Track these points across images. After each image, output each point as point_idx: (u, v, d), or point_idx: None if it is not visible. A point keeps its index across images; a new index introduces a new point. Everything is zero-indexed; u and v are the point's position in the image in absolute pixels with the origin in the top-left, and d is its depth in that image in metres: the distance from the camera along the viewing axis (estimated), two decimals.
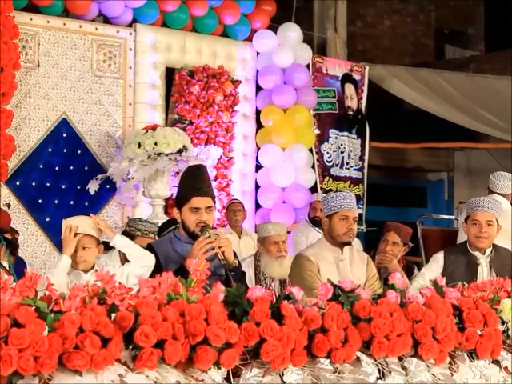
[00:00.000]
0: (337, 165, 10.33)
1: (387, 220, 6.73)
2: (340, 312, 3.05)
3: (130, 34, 8.85)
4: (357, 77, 10.64)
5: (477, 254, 5.39)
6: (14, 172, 8.13)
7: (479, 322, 3.34)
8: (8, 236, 6.39)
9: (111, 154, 8.65)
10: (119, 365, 2.66)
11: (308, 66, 10.08)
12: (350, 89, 10.55)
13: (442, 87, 11.33)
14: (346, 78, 10.52)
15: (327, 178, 10.18)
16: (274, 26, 9.93)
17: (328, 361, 3.01)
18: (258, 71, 9.85)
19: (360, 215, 9.91)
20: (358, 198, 9.87)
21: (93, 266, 4.56)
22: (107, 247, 5.12)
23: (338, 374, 3.01)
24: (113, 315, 2.70)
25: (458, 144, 12.00)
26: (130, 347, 2.69)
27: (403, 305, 3.22)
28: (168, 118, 9.10)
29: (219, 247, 3.99)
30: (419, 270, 6.71)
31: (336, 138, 10.35)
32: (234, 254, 4.14)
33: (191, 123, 9.08)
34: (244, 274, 4.40)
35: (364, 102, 10.70)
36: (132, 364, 2.69)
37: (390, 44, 13.64)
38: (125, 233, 6.15)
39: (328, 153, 10.25)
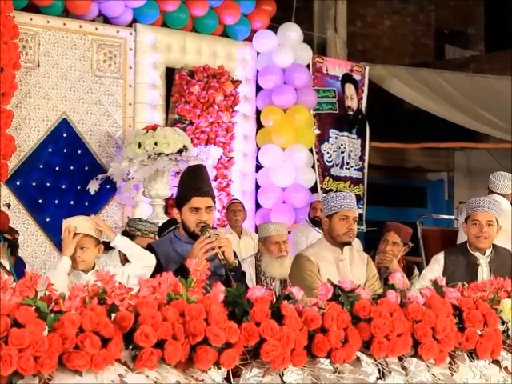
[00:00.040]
0: (337, 165, 10.33)
1: (387, 220, 6.73)
2: (340, 312, 3.05)
3: (130, 34, 8.85)
4: (357, 77, 10.64)
5: (477, 254, 5.39)
6: (14, 172, 8.13)
7: (479, 321, 3.34)
8: (8, 236, 6.39)
9: (111, 154, 8.65)
10: (119, 365, 2.66)
11: (308, 65, 10.08)
12: (350, 89, 10.55)
13: (441, 87, 11.33)
14: (346, 78, 10.52)
15: (327, 178, 10.18)
16: (274, 25, 9.93)
17: (328, 361, 3.01)
18: (258, 71, 9.85)
19: (360, 215, 9.91)
20: (358, 198, 9.87)
21: (93, 267, 4.56)
22: (107, 247, 5.12)
23: (338, 374, 3.01)
24: (113, 315, 2.70)
25: (458, 144, 12.00)
26: (130, 347, 2.69)
27: (403, 305, 3.23)
28: (168, 118, 9.10)
29: (219, 247, 3.99)
30: (419, 270, 6.72)
31: (336, 138, 10.35)
32: (234, 253, 4.14)
33: (191, 123, 9.08)
34: (244, 273, 4.40)
35: (364, 102, 10.70)
36: (132, 364, 2.69)
37: (390, 44, 13.64)
38: (125, 233, 6.15)
39: (328, 153, 10.25)
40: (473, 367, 3.34)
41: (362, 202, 10.38)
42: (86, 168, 8.53)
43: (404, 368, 3.16)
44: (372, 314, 3.10)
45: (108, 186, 8.57)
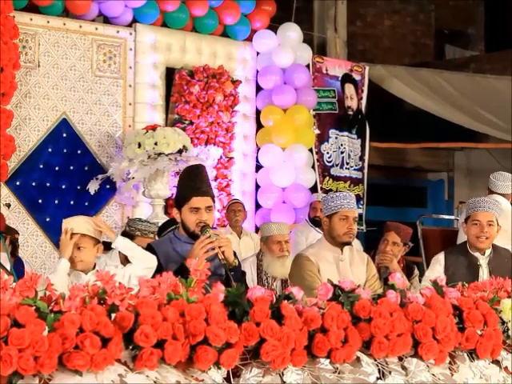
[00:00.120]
0: (337, 165, 10.33)
1: (387, 220, 6.73)
2: (340, 312, 3.05)
3: (130, 34, 8.85)
4: (357, 77, 10.64)
5: (477, 254, 5.39)
6: (14, 172, 8.13)
7: (479, 321, 3.34)
8: (6, 236, 6.38)
9: (111, 154, 8.65)
10: (119, 365, 2.66)
11: (308, 66, 10.08)
12: (350, 89, 10.55)
13: (441, 87, 11.34)
14: (346, 78, 10.53)
15: (327, 178, 10.18)
16: (274, 25, 9.93)
17: (328, 361, 3.01)
18: (257, 71, 9.86)
19: (360, 215, 9.91)
20: (358, 198, 9.87)
21: (94, 267, 4.55)
22: (108, 247, 5.12)
23: (338, 374, 3.01)
24: (113, 315, 2.70)
25: (458, 144, 12.00)
26: (130, 347, 2.69)
27: (403, 305, 3.22)
28: (168, 118, 9.10)
29: (219, 247, 3.99)
30: (419, 270, 6.72)
31: (336, 138, 10.35)
32: (234, 253, 4.14)
33: (191, 123, 9.08)
34: (244, 273, 4.40)
35: (364, 102, 10.70)
36: (132, 364, 2.69)
37: (390, 44, 13.64)
38: (124, 233, 6.15)
39: (328, 153, 10.25)
40: (473, 367, 3.34)
41: (361, 202, 10.38)
42: (86, 168, 8.53)
43: (404, 368, 3.16)
44: (372, 313, 3.10)
45: (108, 186, 8.57)
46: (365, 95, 10.70)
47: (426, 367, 3.20)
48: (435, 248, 6.26)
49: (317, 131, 10.15)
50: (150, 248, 4.29)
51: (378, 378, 3.09)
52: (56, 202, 8.35)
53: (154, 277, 2.96)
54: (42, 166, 8.31)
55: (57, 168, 8.38)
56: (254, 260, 6.60)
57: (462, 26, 14.52)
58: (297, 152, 9.76)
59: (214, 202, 4.20)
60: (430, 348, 3.18)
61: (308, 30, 10.67)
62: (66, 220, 4.55)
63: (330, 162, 10.25)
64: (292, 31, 9.94)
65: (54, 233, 8.00)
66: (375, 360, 3.10)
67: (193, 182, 4.15)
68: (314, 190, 9.81)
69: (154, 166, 8.10)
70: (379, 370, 3.09)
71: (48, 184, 8.34)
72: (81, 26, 8.56)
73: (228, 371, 2.84)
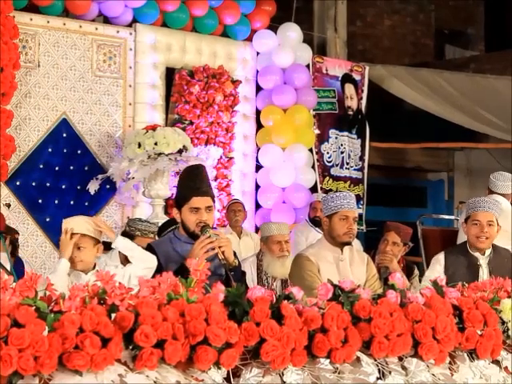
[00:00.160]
0: (337, 165, 10.33)
1: (387, 220, 6.73)
2: (340, 312, 3.05)
3: (130, 34, 8.85)
4: (357, 77, 10.64)
5: (477, 254, 5.39)
6: (14, 172, 8.13)
7: (479, 321, 3.34)
8: (6, 236, 6.38)
9: (111, 154, 8.65)
10: (119, 365, 2.66)
11: (308, 66, 10.08)
12: (349, 89, 10.55)
13: (441, 87, 11.34)
14: (346, 78, 10.53)
15: (327, 178, 10.18)
16: (274, 25, 9.93)
17: (328, 361, 3.01)
18: (257, 71, 9.86)
19: (360, 215, 9.91)
20: (358, 198, 9.87)
21: (94, 267, 4.55)
22: (108, 247, 5.11)
23: (338, 374, 3.01)
24: (113, 315, 2.70)
25: (458, 144, 12.00)
26: (130, 347, 2.69)
27: (403, 305, 3.22)
28: (168, 118, 9.10)
29: (219, 247, 3.99)
30: (419, 269, 6.72)
31: (336, 138, 10.35)
32: (234, 253, 4.14)
33: (191, 123, 9.08)
34: (244, 273, 4.40)
35: (364, 102, 10.70)
36: (132, 364, 2.69)
37: (390, 44, 13.64)
38: (124, 233, 6.15)
39: (328, 153, 10.25)
40: (473, 367, 3.34)
41: (361, 202, 10.38)
42: (86, 168, 8.53)
43: (404, 368, 3.16)
44: (372, 313, 3.10)
45: (108, 186, 8.57)
46: (365, 95, 10.70)
47: (426, 367, 3.20)
48: (435, 248, 6.26)
49: (317, 131, 10.15)
50: (149, 248, 4.29)
51: (377, 378, 3.09)
52: (56, 202, 8.35)
53: (153, 277, 2.96)
54: (41, 166, 8.31)
55: (57, 168, 8.38)
56: (254, 260, 6.60)
57: (461, 26, 14.52)
58: (297, 152, 9.76)
59: (213, 201, 4.20)
60: (430, 348, 3.18)
61: (308, 29, 10.67)
62: (65, 220, 4.55)
63: (330, 162, 10.25)
64: (292, 31, 9.94)
65: (54, 233, 8.00)
66: (375, 360, 3.10)
67: (193, 181, 4.15)
68: (314, 189, 9.81)
69: (154, 166, 8.10)
70: (379, 369, 3.09)
71: (48, 184, 8.34)
72: (81, 26, 8.56)
73: (228, 371, 2.84)
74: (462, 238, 6.04)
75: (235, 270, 4.03)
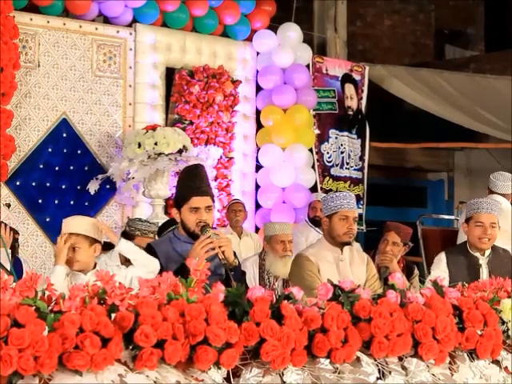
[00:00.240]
0: (337, 165, 10.33)
1: (387, 220, 6.72)
2: (340, 312, 3.05)
3: (130, 34, 8.85)
4: (357, 77, 10.64)
5: (477, 255, 5.39)
6: (14, 172, 8.13)
7: (479, 321, 3.34)
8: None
9: (111, 154, 8.65)
10: (119, 365, 2.66)
11: (308, 66, 10.08)
12: (349, 89, 10.55)
13: (441, 87, 11.33)
14: (346, 78, 10.52)
15: (327, 178, 10.18)
16: (274, 25, 9.93)
17: (328, 361, 3.01)
18: (257, 71, 9.85)
19: (360, 215, 9.91)
20: (358, 198, 9.87)
21: (94, 267, 4.53)
22: (108, 247, 5.11)
23: (338, 374, 3.01)
24: (113, 315, 2.70)
25: (458, 144, 12.00)
26: (130, 347, 2.69)
27: (403, 305, 3.22)
28: (168, 118, 9.10)
29: (219, 247, 3.99)
30: (419, 270, 6.71)
31: (336, 138, 10.35)
32: (234, 253, 4.14)
33: (191, 123, 9.08)
34: (244, 273, 4.40)
35: (364, 101, 10.70)
36: (132, 364, 2.69)
37: (390, 44, 13.64)
38: (124, 233, 6.15)
39: (328, 153, 10.25)
40: (473, 367, 3.34)
41: (361, 202, 10.38)
42: (86, 168, 8.53)
43: (404, 368, 3.16)
44: (372, 313, 3.10)
45: (108, 186, 8.57)
46: (365, 95, 10.70)
47: (426, 367, 3.21)
48: (435, 248, 6.27)
49: (317, 131, 10.15)
50: (149, 248, 4.28)
51: (377, 378, 3.09)
52: (56, 202, 8.35)
53: None
54: (42, 166, 8.31)
55: (57, 168, 8.38)
56: (256, 259, 6.61)
57: (461, 26, 14.52)
58: (297, 152, 9.76)
59: (213, 201, 4.20)
60: (430, 348, 3.18)
61: (308, 29, 10.67)
62: (65, 219, 4.54)
63: (329, 161, 10.25)
64: (292, 31, 9.94)
65: (53, 233, 7.98)
66: (375, 360, 3.11)
67: (192, 181, 4.15)
68: (314, 189, 9.81)
69: (154, 166, 8.10)
70: (379, 369, 3.09)
71: (48, 184, 8.34)
72: (81, 26, 8.56)
73: (228, 371, 2.84)
74: (461, 238, 6.03)
75: (235, 270, 4.03)
